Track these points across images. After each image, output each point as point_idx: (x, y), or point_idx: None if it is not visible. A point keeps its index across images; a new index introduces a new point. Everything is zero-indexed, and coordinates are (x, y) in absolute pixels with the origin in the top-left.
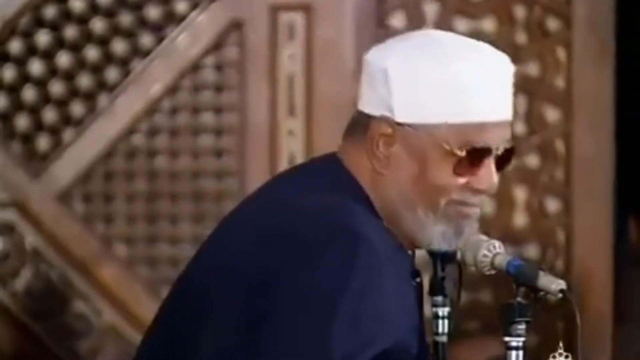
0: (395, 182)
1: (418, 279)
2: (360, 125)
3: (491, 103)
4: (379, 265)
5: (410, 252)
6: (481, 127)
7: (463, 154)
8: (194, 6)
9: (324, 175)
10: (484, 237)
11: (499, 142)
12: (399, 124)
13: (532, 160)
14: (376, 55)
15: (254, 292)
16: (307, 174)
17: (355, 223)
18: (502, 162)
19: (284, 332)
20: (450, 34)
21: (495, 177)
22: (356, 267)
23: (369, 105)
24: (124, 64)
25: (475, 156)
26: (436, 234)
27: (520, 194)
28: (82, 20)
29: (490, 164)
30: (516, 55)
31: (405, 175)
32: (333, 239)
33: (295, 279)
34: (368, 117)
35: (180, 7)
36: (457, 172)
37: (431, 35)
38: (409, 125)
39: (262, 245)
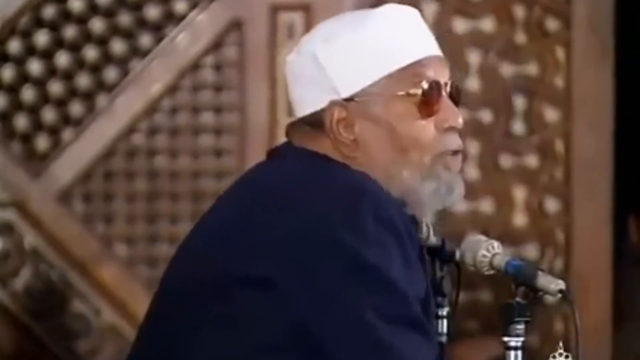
0: (369, 160)
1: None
2: (311, 126)
3: (417, 42)
4: (402, 215)
5: None
6: (419, 65)
7: (419, 91)
8: (194, 6)
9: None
10: (483, 237)
11: (444, 77)
12: (348, 100)
13: (532, 160)
14: (297, 52)
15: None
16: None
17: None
18: (454, 102)
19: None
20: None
21: (458, 111)
22: (391, 212)
23: (309, 104)
24: (123, 63)
25: (431, 91)
26: (427, 193)
27: (519, 193)
28: (82, 20)
29: (446, 100)
30: (516, 55)
31: (379, 148)
32: (359, 198)
33: (340, 240)
34: (315, 115)
35: (180, 6)
36: (423, 114)
37: (332, 17)
38: (358, 96)
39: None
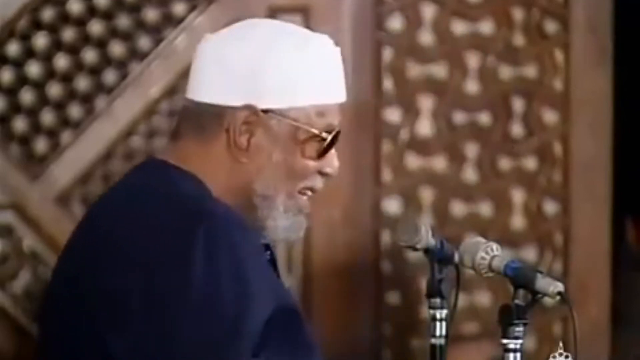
0: (255, 170)
1: (269, 252)
2: (207, 115)
3: (341, 85)
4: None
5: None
6: (335, 109)
7: (328, 137)
8: (192, 8)
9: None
10: (481, 240)
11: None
12: (264, 111)
13: (530, 163)
14: (234, 38)
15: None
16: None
17: (208, 205)
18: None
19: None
20: (271, 21)
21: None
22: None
23: (220, 94)
24: (122, 66)
25: (333, 141)
26: (282, 227)
27: (518, 196)
28: (80, 23)
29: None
30: (514, 57)
31: (267, 163)
32: (194, 225)
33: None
34: (220, 107)
35: (179, 8)
36: (318, 157)
37: (265, 22)
38: (274, 112)
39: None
